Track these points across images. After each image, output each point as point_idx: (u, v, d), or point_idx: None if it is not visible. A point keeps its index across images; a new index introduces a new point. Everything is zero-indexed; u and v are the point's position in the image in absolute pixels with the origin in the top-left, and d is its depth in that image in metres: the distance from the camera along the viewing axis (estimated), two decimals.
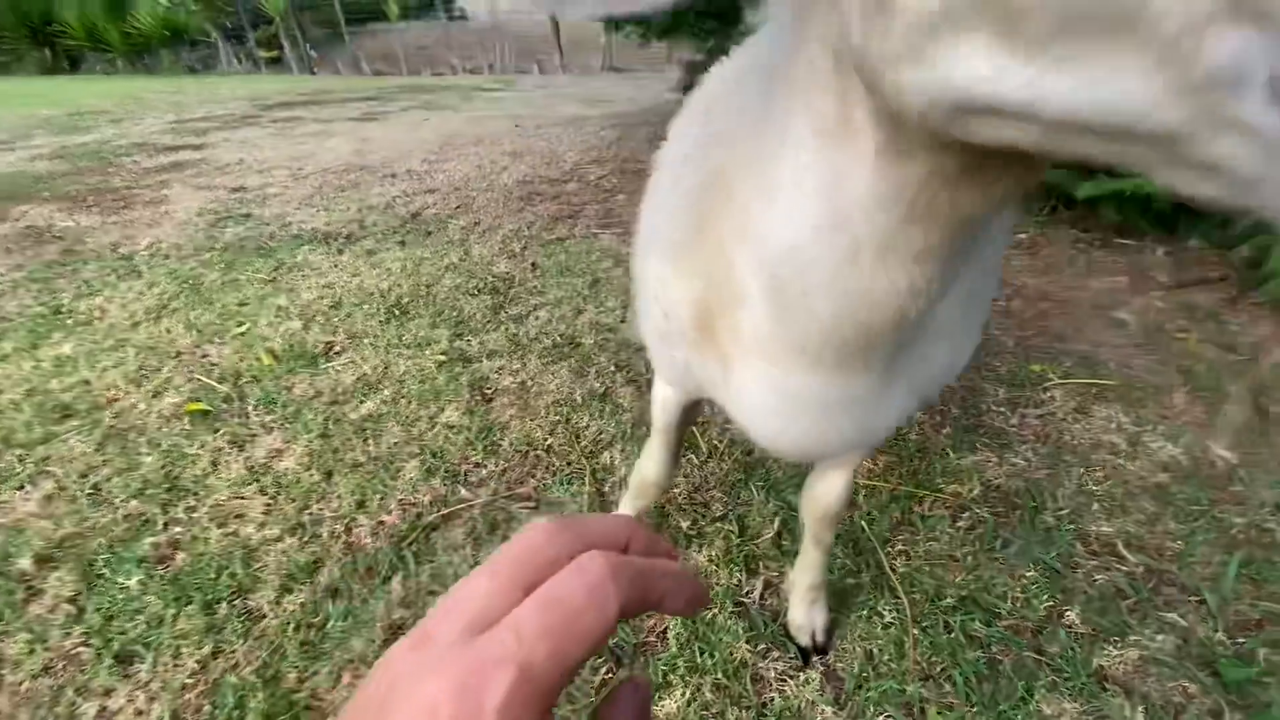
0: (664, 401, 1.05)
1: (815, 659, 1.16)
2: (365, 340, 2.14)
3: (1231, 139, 0.21)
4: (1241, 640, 1.18)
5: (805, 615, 1.17)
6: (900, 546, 1.37)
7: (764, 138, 0.49)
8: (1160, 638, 1.18)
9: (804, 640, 1.17)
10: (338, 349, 2.12)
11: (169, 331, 2.24)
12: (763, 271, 0.54)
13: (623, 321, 2.22)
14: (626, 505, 1.32)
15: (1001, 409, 1.77)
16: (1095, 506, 1.47)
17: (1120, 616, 1.23)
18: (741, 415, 0.74)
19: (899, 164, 0.38)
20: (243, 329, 2.25)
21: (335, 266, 2.75)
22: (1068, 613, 1.23)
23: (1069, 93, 0.23)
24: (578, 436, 1.68)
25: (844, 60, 0.37)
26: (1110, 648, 1.17)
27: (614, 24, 4.59)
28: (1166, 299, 2.28)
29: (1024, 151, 0.30)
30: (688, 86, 4.53)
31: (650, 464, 1.20)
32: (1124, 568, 1.32)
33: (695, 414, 1.22)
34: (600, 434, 1.69)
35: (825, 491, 1.07)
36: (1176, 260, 2.51)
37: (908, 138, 0.37)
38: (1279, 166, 0.20)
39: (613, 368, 1.97)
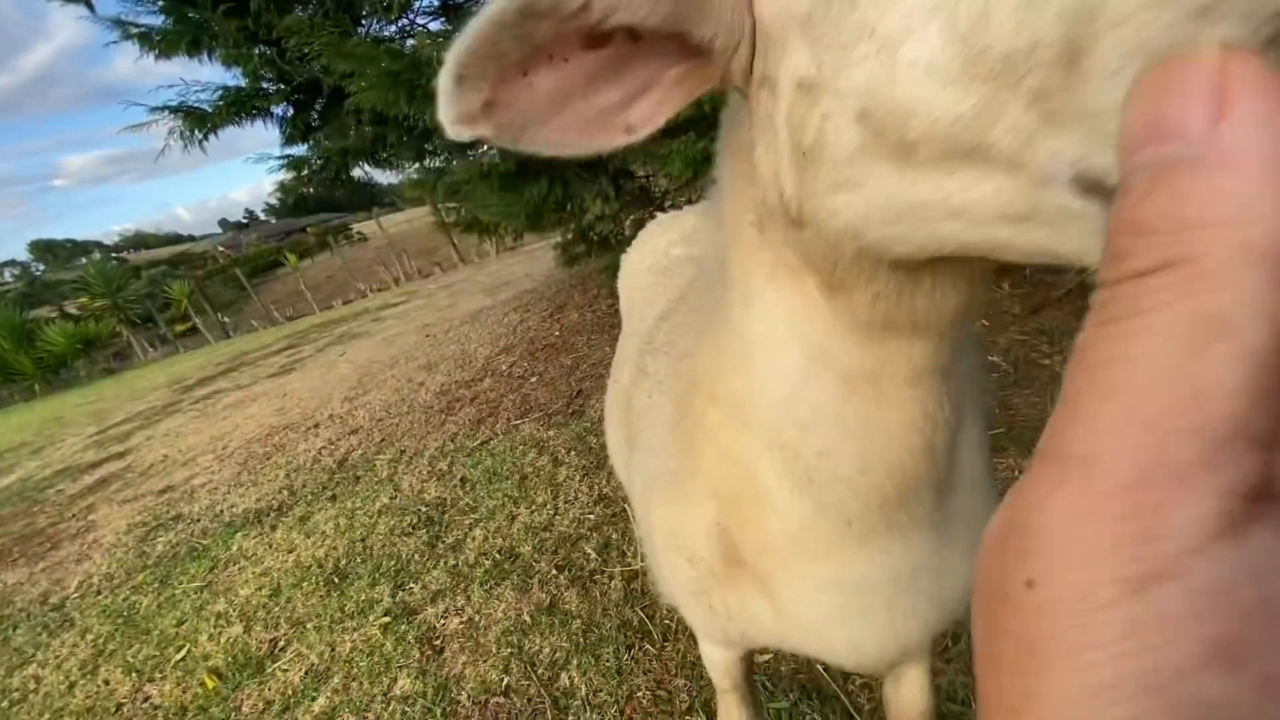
0: (720, 665, 0.94)
1: None
2: (309, 625, 2.10)
3: (1059, 218, 0.27)
4: None
5: None
6: None
7: (727, 317, 0.52)
8: None
9: None
10: (282, 643, 2.07)
11: (107, 683, 2.14)
12: (772, 447, 0.52)
13: (556, 515, 2.26)
14: None
15: None
16: None
17: None
18: (809, 639, 0.65)
19: (843, 294, 0.41)
20: (182, 653, 2.17)
21: (270, 547, 2.73)
22: None
23: (959, 192, 0.29)
24: (533, 664, 1.66)
25: (767, 221, 0.43)
26: None
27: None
28: (1024, 329, 2.49)
29: (942, 257, 0.35)
30: (568, 261, 4.69)
31: None
32: None
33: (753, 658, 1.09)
34: (555, 653, 1.67)
35: (910, 697, 0.90)
36: (1026, 291, 2.77)
37: (841, 270, 0.40)
38: (1088, 232, 0.26)
39: (554, 570, 1.99)
